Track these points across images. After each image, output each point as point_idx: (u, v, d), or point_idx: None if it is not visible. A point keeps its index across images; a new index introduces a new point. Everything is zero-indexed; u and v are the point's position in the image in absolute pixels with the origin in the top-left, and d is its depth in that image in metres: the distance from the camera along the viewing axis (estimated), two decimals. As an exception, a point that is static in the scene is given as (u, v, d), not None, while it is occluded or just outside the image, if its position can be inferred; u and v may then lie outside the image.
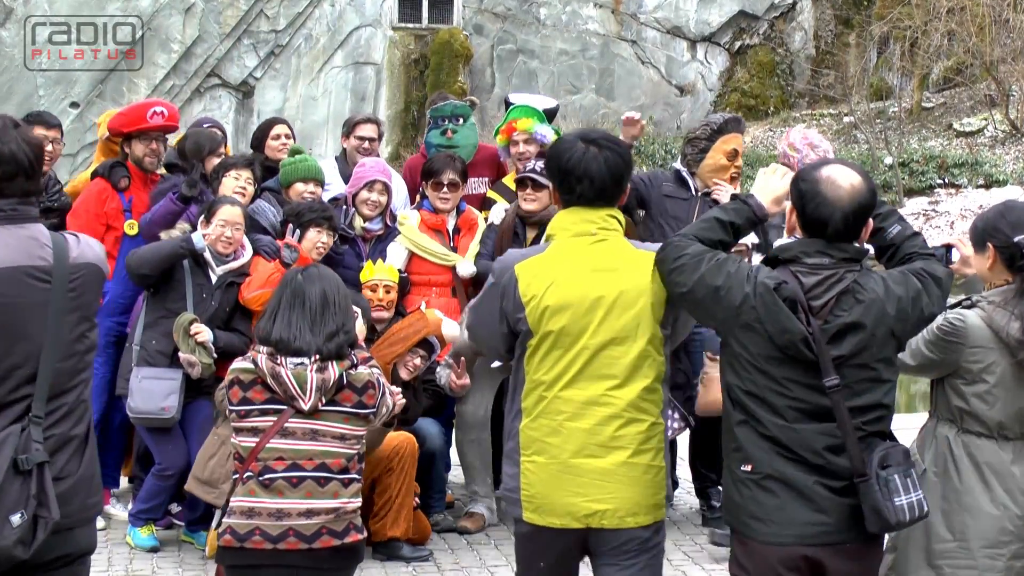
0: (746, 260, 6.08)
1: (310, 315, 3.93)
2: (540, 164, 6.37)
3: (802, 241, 3.38)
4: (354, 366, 3.96)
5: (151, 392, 5.73)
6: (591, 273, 3.51)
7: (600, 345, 3.48)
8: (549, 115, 7.01)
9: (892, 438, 3.37)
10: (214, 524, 5.82)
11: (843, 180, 3.32)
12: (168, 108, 6.53)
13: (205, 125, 6.99)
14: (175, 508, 6.22)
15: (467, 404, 6.37)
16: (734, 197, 3.57)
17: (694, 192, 6.42)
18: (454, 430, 6.57)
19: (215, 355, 5.78)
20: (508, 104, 7.09)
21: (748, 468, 3.35)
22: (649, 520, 3.53)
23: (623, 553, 3.53)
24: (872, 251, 3.56)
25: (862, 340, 3.27)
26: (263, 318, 4.02)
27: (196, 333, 5.73)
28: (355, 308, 4.20)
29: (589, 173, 3.52)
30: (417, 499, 6.06)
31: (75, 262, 3.27)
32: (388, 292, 6.19)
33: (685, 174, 6.45)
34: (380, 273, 6.22)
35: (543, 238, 3.73)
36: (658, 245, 3.57)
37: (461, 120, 6.95)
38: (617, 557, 3.53)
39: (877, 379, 3.32)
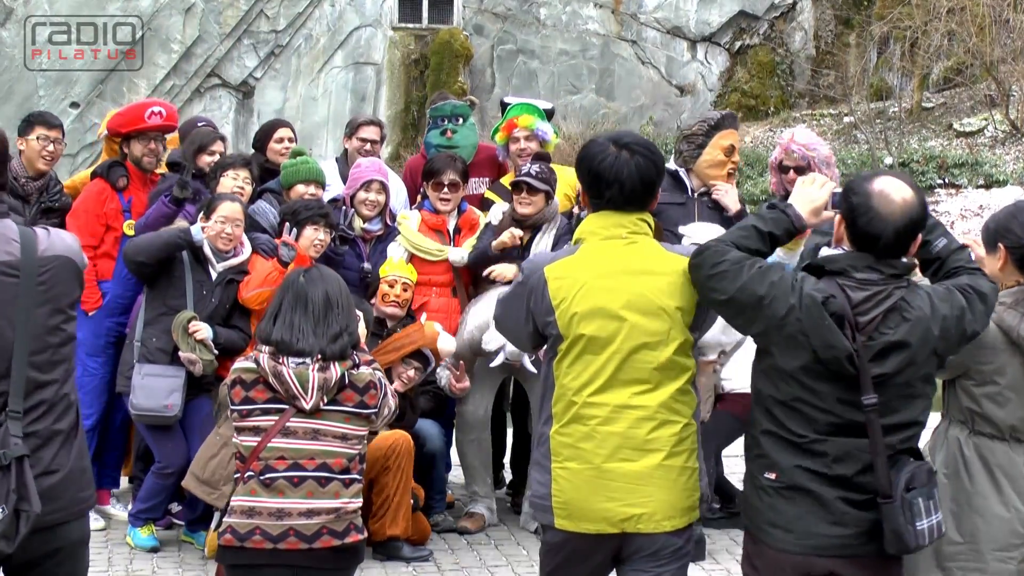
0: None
1: (313, 317, 3.92)
2: (536, 168, 6.34)
3: (851, 254, 3.33)
4: (356, 366, 3.95)
5: (154, 389, 5.72)
6: (621, 276, 3.47)
7: (631, 349, 3.43)
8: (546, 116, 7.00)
9: (919, 455, 3.34)
10: (214, 525, 5.82)
11: (895, 195, 3.27)
12: (166, 108, 6.52)
13: (199, 124, 7.00)
14: (175, 508, 6.22)
15: (467, 404, 6.37)
16: (772, 206, 3.48)
17: (691, 192, 6.38)
18: (454, 430, 6.56)
19: (216, 351, 5.79)
20: (504, 105, 7.08)
21: (772, 476, 3.33)
22: (684, 523, 3.50)
23: (655, 560, 3.48)
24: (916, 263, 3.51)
25: (905, 359, 3.24)
26: (264, 319, 4.00)
27: (195, 331, 5.73)
28: (357, 311, 4.19)
29: (620, 178, 3.47)
30: (416, 499, 6.05)
31: (44, 255, 3.26)
32: (405, 290, 6.20)
33: (682, 174, 6.42)
34: (400, 270, 6.23)
35: (572, 241, 3.68)
36: (690, 249, 3.51)
37: (461, 120, 6.93)
38: (648, 563, 3.49)
39: (914, 396, 3.29)
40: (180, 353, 5.73)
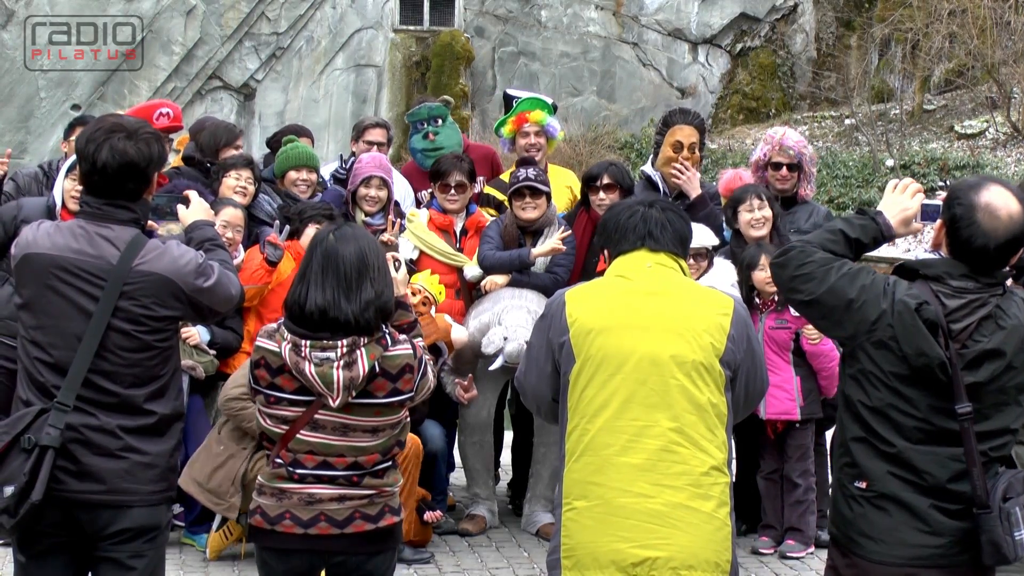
0: (704, 263, 6.01)
1: (346, 280, 3.52)
2: (532, 171, 6.33)
3: (948, 261, 3.23)
4: (388, 347, 3.59)
5: None
6: (643, 295, 3.33)
7: (650, 366, 3.23)
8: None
9: (1013, 464, 3.25)
10: (215, 527, 5.82)
11: (1001, 210, 3.15)
12: (173, 109, 6.59)
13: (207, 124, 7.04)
14: (176, 509, 6.21)
15: (470, 407, 6.35)
16: (861, 212, 3.36)
17: (664, 194, 6.33)
18: (457, 432, 6.56)
19: (213, 352, 5.82)
20: (508, 98, 7.05)
21: (862, 485, 3.21)
22: None
23: None
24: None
25: (999, 367, 3.14)
26: (294, 285, 3.61)
27: (187, 337, 5.72)
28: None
29: (651, 229, 3.41)
30: (424, 504, 6.04)
31: (137, 268, 3.45)
32: (424, 304, 6.11)
33: (656, 178, 6.43)
34: (431, 287, 6.11)
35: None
36: (726, 289, 3.44)
37: (440, 121, 6.92)
38: None
39: (1007, 403, 3.19)
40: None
